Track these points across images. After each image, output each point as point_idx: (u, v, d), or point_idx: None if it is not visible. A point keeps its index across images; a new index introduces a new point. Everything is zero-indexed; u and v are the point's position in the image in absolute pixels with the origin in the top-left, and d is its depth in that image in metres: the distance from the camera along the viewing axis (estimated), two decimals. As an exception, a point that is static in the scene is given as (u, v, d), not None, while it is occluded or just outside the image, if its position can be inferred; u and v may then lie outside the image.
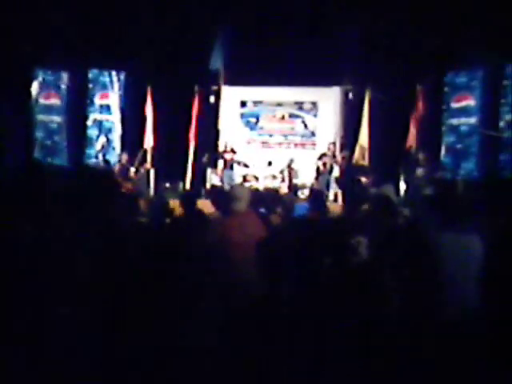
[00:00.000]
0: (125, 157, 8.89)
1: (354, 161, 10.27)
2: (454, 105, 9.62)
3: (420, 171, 8.97)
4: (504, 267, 3.38)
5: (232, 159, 10.43)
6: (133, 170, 8.82)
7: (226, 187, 8.53)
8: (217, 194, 4.90)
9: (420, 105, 9.84)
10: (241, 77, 10.81)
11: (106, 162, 9.36)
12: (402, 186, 9.11)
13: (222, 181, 9.69)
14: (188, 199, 5.11)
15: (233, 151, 10.50)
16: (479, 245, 3.35)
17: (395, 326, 3.19)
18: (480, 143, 9.33)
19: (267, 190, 7.34)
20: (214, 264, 3.70)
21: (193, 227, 4.19)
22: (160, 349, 2.99)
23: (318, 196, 4.72)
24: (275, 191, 7.75)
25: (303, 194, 9.17)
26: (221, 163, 10.13)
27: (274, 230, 3.97)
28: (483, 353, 2.80)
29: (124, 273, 3.54)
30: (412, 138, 9.92)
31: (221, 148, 10.75)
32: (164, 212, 4.84)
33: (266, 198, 5.18)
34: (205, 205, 4.59)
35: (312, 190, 8.51)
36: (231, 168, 10.35)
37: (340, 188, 9.41)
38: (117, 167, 8.72)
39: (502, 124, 9.00)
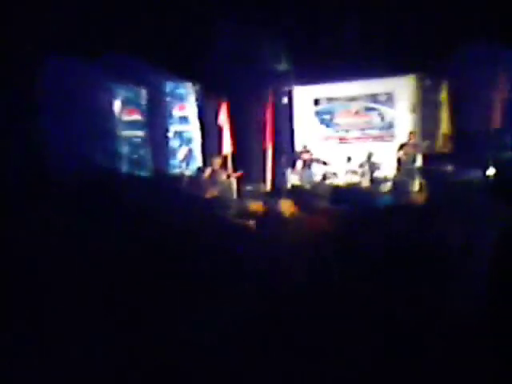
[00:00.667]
0: (218, 161, 9.15)
1: (436, 149, 9.97)
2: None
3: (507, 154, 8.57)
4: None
5: (310, 159, 10.46)
6: (224, 175, 9.10)
7: (307, 186, 8.58)
8: (298, 193, 4.94)
9: (502, 86, 9.38)
10: (312, 75, 10.79)
11: (190, 170, 9.70)
12: (491, 171, 8.72)
13: (301, 180, 9.74)
14: (270, 200, 5.22)
15: (309, 151, 10.55)
16: None
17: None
18: None
19: (348, 185, 7.29)
20: (297, 261, 3.75)
21: (274, 227, 4.27)
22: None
23: (400, 187, 4.65)
24: (356, 186, 7.67)
25: (385, 186, 9.01)
26: (299, 163, 10.19)
27: (357, 225, 3.96)
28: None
29: (212, 272, 3.67)
30: (495, 121, 9.48)
31: (298, 148, 10.82)
32: (247, 214, 4.96)
33: (347, 194, 5.17)
34: (287, 204, 4.65)
35: (394, 181, 8.36)
36: (309, 167, 10.38)
37: (424, 178, 9.16)
38: (207, 173, 8.96)
39: None
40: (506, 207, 4.45)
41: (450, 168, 9.15)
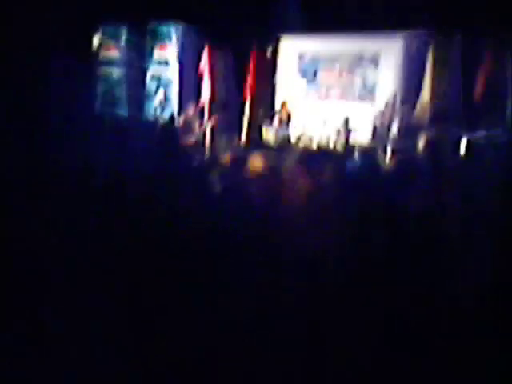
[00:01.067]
0: (192, 109, 8.95)
1: (415, 116, 9.92)
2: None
3: (484, 128, 8.58)
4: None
5: (289, 116, 10.33)
6: (197, 123, 8.93)
7: (281, 144, 8.50)
8: (269, 150, 4.89)
9: (489, 60, 9.32)
10: (299, 29, 10.55)
11: (165, 115, 9.51)
12: (464, 143, 8.75)
13: (276, 137, 9.65)
14: (241, 153, 5.14)
15: (287, 109, 10.39)
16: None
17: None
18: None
19: (320, 147, 7.25)
20: (259, 216, 3.73)
21: (241, 180, 4.23)
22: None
23: (370, 152, 4.63)
24: (328, 148, 7.64)
25: (358, 150, 8.98)
26: (276, 120, 10.03)
27: (323, 185, 3.94)
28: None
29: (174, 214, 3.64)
30: (479, 93, 9.46)
31: (277, 103, 10.65)
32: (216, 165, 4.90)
33: (319, 156, 5.12)
34: (256, 159, 4.58)
35: (365, 147, 8.33)
36: (287, 125, 10.25)
37: (397, 146, 9.15)
38: (182, 119, 8.80)
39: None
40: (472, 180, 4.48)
41: (424, 137, 9.16)
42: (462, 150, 8.57)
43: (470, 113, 9.23)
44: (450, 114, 9.57)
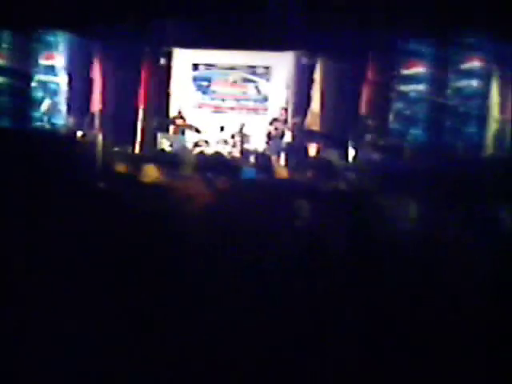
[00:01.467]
0: (72, 120, 8.64)
1: (305, 126, 10.32)
2: (404, 72, 9.74)
3: (369, 137, 9.14)
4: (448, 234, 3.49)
5: (184, 124, 10.33)
6: (80, 133, 8.60)
7: (177, 152, 8.46)
8: (162, 158, 4.85)
9: (371, 71, 9.94)
10: (193, 39, 10.58)
11: (52, 124, 9.10)
12: (351, 152, 9.25)
13: (172, 146, 9.59)
14: (135, 163, 5.05)
15: (182, 117, 10.41)
16: (425, 210, 3.45)
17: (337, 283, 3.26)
18: (428, 110, 9.52)
19: (216, 154, 7.34)
20: (157, 228, 3.68)
21: (138, 191, 4.15)
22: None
23: (265, 161, 4.74)
24: (223, 156, 7.74)
25: (253, 158, 9.19)
26: (172, 128, 10.00)
27: (220, 194, 3.97)
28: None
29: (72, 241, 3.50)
30: (363, 104, 10.04)
31: (172, 112, 10.62)
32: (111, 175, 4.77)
33: (213, 163, 5.16)
34: (150, 169, 4.53)
35: (259, 154, 8.56)
36: (182, 133, 10.24)
37: (289, 153, 9.47)
38: (64, 130, 8.47)
39: (449, 91, 9.22)
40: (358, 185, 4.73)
41: (314, 145, 9.60)
42: (350, 155, 9.11)
43: (356, 123, 9.77)
44: (338, 123, 10.08)
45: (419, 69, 9.55)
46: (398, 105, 9.78)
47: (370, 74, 10.02)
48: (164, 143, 9.74)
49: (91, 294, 3.11)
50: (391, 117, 9.78)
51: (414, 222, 3.48)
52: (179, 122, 10.31)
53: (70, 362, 2.69)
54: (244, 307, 3.21)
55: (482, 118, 9.01)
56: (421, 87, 9.64)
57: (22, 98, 9.19)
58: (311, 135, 9.88)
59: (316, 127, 10.32)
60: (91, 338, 2.84)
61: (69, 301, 3.00)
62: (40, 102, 9.33)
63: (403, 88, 9.79)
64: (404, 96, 9.76)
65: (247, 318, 3.04)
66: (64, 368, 2.65)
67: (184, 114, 10.57)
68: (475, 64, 9.07)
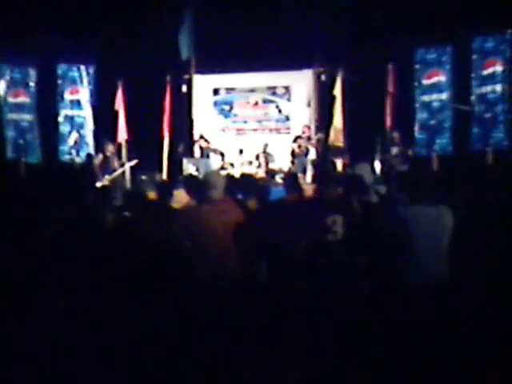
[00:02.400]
0: (110, 148, 8.77)
1: (329, 142, 10.30)
2: (425, 81, 9.69)
3: (395, 149, 9.07)
4: (476, 243, 3.44)
5: (208, 147, 10.43)
6: (117, 162, 8.76)
7: (203, 176, 8.47)
8: (191, 183, 4.87)
9: (392, 83, 9.91)
10: (212, 64, 10.75)
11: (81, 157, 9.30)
12: (378, 165, 9.19)
13: (198, 170, 9.67)
14: (164, 189, 5.10)
15: (206, 140, 10.51)
16: (451, 219, 3.41)
17: (370, 304, 3.24)
18: (452, 118, 9.43)
19: (243, 175, 7.36)
20: (192, 252, 3.70)
21: (169, 217, 4.18)
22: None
23: (292, 179, 4.73)
24: (251, 176, 7.77)
25: (280, 178, 9.19)
26: (197, 152, 10.11)
27: (252, 215, 3.98)
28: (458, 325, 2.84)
29: (104, 264, 3.54)
30: (386, 117, 10.00)
31: (196, 137, 10.76)
32: (142, 203, 4.82)
33: (241, 184, 5.17)
34: (180, 195, 4.56)
35: (286, 173, 8.55)
36: (207, 156, 10.34)
37: (316, 170, 9.45)
38: (99, 160, 8.59)
39: (473, 98, 9.13)
40: (388, 198, 4.69)
41: (340, 161, 9.55)
42: (377, 169, 9.05)
43: (381, 136, 9.72)
44: (362, 138, 10.03)
45: (440, 77, 9.49)
46: (422, 115, 9.71)
47: (390, 86, 9.99)
48: (190, 168, 9.84)
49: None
50: (416, 127, 9.72)
51: (444, 231, 3.44)
52: (203, 144, 10.41)
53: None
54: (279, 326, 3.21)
55: (509, 123, 8.88)
56: (444, 96, 9.57)
57: (50, 133, 9.40)
58: (335, 151, 9.85)
59: (339, 143, 10.28)
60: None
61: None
62: (67, 136, 9.53)
63: (426, 98, 9.74)
64: (427, 105, 9.70)
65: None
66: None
67: (207, 137, 10.67)
68: (497, 68, 8.97)
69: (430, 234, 3.31)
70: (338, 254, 3.66)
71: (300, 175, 8.40)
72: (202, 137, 10.58)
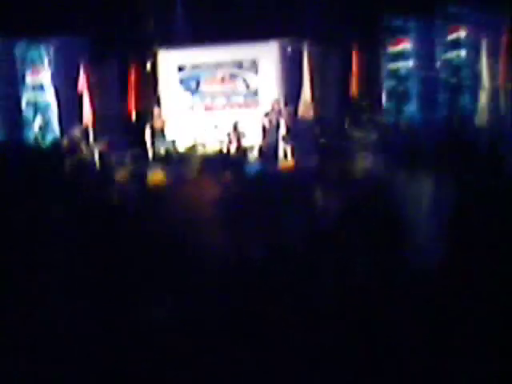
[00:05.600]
0: (76, 131, 8.54)
1: (299, 115, 10.26)
2: (392, 49, 9.71)
3: (364, 118, 9.12)
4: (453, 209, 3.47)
5: (162, 126, 10.20)
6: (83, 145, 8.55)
7: (174, 155, 8.38)
8: (166, 163, 4.80)
9: (358, 53, 9.91)
10: (176, 40, 10.51)
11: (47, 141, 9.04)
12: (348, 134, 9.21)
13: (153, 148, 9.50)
14: (137, 169, 5.01)
15: (161, 119, 10.29)
16: (427, 186, 3.43)
17: (357, 274, 3.24)
18: (419, 85, 9.51)
19: (216, 154, 7.29)
20: (171, 233, 3.64)
21: (144, 197, 4.11)
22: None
23: (266, 154, 4.70)
24: (224, 155, 7.71)
25: (253, 155, 9.14)
26: (147, 131, 9.88)
27: (229, 193, 3.93)
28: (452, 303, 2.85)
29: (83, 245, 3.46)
30: (353, 86, 10.01)
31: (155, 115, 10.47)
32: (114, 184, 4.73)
33: (216, 163, 5.12)
34: (156, 175, 4.49)
35: (260, 149, 8.50)
36: (162, 135, 10.14)
37: (288, 144, 9.42)
38: (66, 142, 8.37)
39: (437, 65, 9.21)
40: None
41: (311, 133, 9.54)
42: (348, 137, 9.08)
43: (349, 106, 9.75)
44: (331, 110, 10.05)
45: (406, 45, 9.53)
46: (389, 83, 9.76)
47: (357, 56, 9.99)
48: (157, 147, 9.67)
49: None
50: (384, 96, 9.76)
51: (418, 197, 3.47)
52: (157, 123, 10.15)
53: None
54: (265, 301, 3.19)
55: (473, 88, 8.99)
56: (410, 63, 9.62)
57: (13, 119, 9.11)
58: (306, 123, 9.82)
59: (309, 115, 10.26)
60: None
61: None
62: (32, 121, 9.26)
63: (392, 66, 9.78)
64: (394, 74, 9.74)
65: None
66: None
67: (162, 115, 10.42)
68: (461, 34, 9.05)
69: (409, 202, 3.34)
70: (315, 226, 3.66)
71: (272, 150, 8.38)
72: (158, 116, 10.31)
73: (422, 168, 3.70)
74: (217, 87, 11.37)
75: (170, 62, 11.15)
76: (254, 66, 11.34)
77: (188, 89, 11.37)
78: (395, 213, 3.49)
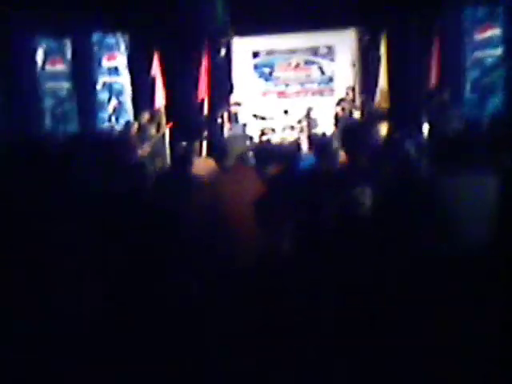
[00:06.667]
0: (146, 116, 8.67)
1: (375, 104, 9.84)
2: (478, 36, 9.02)
3: (444, 110, 8.55)
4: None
5: (236, 112, 10.10)
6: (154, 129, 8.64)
7: (235, 140, 8.28)
8: (217, 149, 4.69)
9: (439, 41, 9.30)
10: (251, 26, 10.38)
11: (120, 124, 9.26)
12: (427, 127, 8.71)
13: (230, 135, 9.42)
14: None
15: (237, 104, 10.18)
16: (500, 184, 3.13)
17: (400, 275, 3.00)
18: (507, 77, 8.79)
19: (281, 142, 7.12)
20: (212, 221, 3.53)
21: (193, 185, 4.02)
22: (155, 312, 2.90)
23: (324, 145, 4.44)
24: (288, 144, 7.51)
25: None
26: (226, 117, 9.79)
27: (275, 183, 3.76)
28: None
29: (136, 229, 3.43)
30: (434, 77, 9.43)
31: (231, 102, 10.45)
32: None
33: (276, 152, 4.94)
34: (205, 162, 4.39)
35: (314, 138, 8.19)
36: (236, 121, 10.04)
37: (360, 134, 9.04)
38: (135, 128, 8.51)
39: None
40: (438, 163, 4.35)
41: (386, 124, 9.09)
42: (425, 133, 8.57)
43: (428, 97, 9.19)
44: (409, 99, 9.53)
45: (494, 31, 8.81)
46: (473, 73, 9.09)
47: (438, 44, 9.39)
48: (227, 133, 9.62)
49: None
50: (467, 87, 9.12)
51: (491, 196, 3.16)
52: (233, 109, 10.05)
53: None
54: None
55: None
56: (498, 51, 8.90)
57: (89, 101, 9.38)
58: (381, 113, 9.39)
59: (386, 104, 9.81)
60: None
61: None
62: (106, 103, 9.50)
63: (478, 54, 9.09)
64: (479, 63, 9.06)
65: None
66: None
67: (239, 101, 10.33)
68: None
69: (478, 201, 3.06)
70: (368, 228, 3.41)
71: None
72: (235, 102, 10.25)
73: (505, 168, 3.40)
74: (291, 73, 11.17)
75: (244, 48, 11.08)
76: (330, 52, 11.03)
77: (262, 75, 11.26)
78: (461, 213, 3.19)
